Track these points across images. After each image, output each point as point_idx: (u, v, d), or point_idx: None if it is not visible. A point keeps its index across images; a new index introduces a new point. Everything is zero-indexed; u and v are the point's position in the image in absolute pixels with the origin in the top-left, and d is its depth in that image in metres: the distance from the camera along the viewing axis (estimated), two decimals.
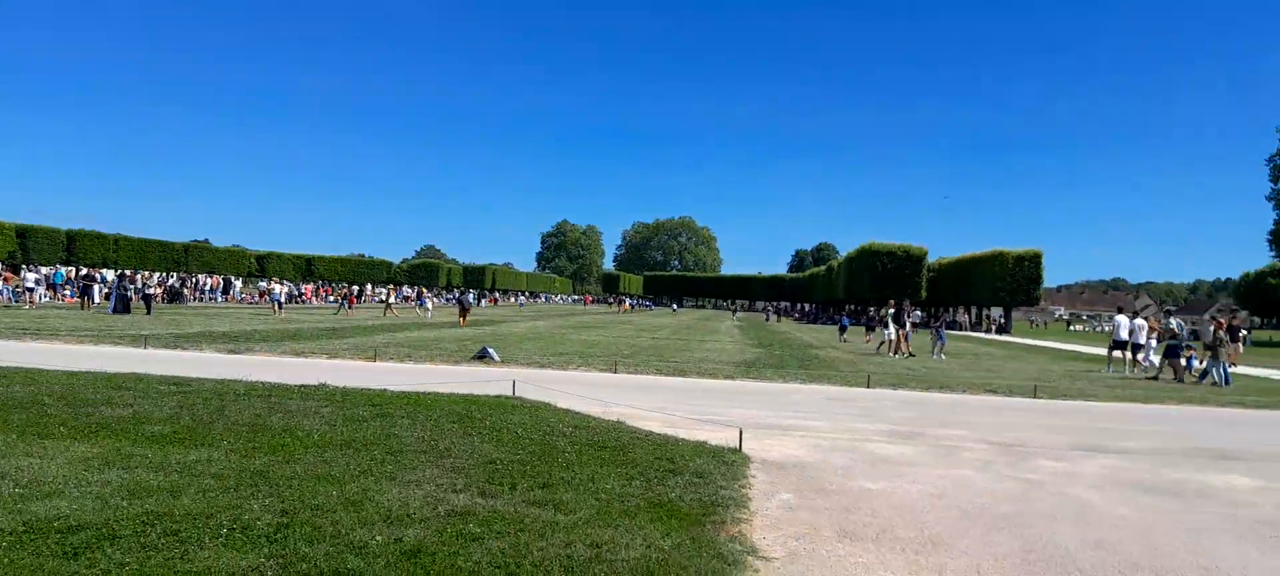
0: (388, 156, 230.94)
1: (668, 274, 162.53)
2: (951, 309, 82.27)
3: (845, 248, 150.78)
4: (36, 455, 6.42)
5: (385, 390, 10.81)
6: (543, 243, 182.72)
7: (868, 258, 72.57)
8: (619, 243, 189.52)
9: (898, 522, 5.86)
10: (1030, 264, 68.03)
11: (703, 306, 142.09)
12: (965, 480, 7.34)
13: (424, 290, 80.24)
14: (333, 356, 17.07)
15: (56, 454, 6.49)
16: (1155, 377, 20.31)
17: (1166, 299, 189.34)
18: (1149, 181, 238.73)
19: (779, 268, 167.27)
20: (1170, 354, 20.12)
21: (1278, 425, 12.75)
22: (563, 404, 10.34)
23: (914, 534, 5.60)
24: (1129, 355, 22.55)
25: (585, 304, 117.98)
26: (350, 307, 46.94)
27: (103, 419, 8.02)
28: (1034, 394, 15.11)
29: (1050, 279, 75.00)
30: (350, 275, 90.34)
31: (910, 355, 25.03)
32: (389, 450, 7.13)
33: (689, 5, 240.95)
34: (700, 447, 7.90)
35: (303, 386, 10.85)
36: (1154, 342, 22.90)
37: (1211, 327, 19.85)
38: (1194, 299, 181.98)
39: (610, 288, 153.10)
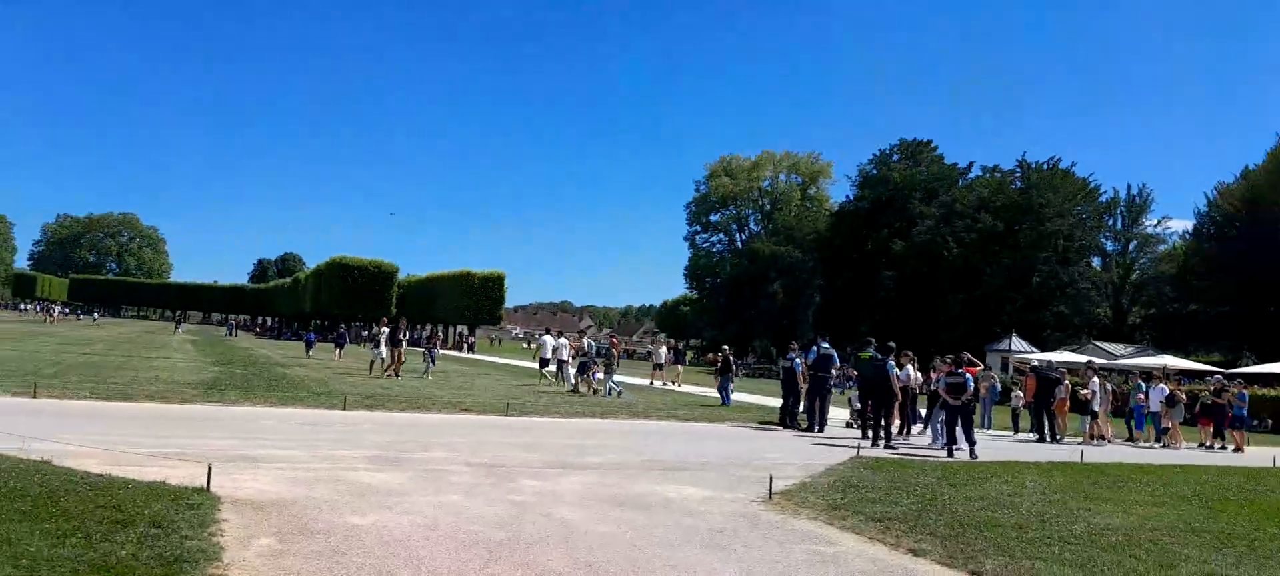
0: None
1: (102, 278, 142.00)
2: (429, 326, 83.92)
3: (314, 260, 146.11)
4: None
5: None
6: None
7: (338, 271, 70.91)
8: (38, 237, 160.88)
9: (392, 562, 5.48)
10: (494, 285, 72.09)
11: (147, 316, 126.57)
12: (455, 506, 7.22)
13: None
14: None
15: None
16: (574, 390, 22.76)
17: (604, 320, 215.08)
18: (595, 213, 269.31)
19: (240, 277, 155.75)
20: (581, 369, 22.98)
21: (702, 437, 14.90)
22: None
23: (411, 573, 5.29)
24: (552, 370, 25.18)
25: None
26: None
27: None
28: (506, 411, 15.77)
29: (511, 299, 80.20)
30: None
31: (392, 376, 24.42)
32: None
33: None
34: (157, 489, 6.71)
35: None
36: (569, 358, 25.40)
37: (608, 347, 23.39)
38: (625, 321, 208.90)
39: (24, 290, 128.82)
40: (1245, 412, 21.23)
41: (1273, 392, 33.31)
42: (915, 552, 6.65)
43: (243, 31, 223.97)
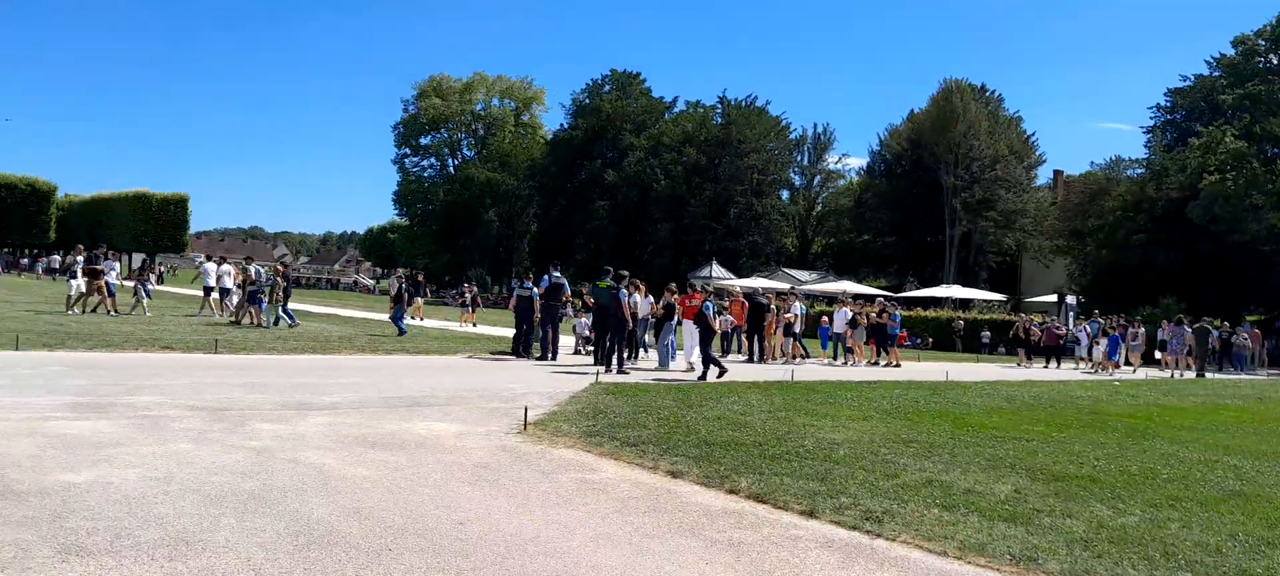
0: None
1: None
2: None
3: None
4: None
5: None
6: None
7: None
8: None
9: (132, 522, 4.83)
10: (176, 207, 65.80)
11: None
12: (189, 456, 6.51)
13: None
14: None
15: None
16: (237, 321, 21.30)
17: (301, 248, 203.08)
18: (293, 132, 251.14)
19: None
20: (251, 299, 21.26)
21: (438, 370, 14.62)
22: None
23: (159, 534, 4.68)
24: (216, 298, 23.95)
25: None
26: None
27: None
28: (215, 349, 14.46)
29: (195, 225, 73.32)
30: None
31: (112, 313, 21.22)
32: None
33: None
34: None
35: None
36: (233, 287, 23.83)
37: (273, 275, 21.66)
38: (324, 249, 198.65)
39: None
40: (897, 332, 24.25)
41: (933, 315, 38.23)
42: (673, 474, 6.93)
43: None
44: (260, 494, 5.62)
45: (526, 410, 8.95)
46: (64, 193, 68.47)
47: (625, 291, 15.45)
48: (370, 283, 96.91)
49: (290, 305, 21.59)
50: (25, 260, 60.37)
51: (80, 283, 21.44)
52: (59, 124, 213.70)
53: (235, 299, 22.61)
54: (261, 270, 21.97)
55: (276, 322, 20.28)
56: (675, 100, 73.63)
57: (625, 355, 15.68)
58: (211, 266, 24.66)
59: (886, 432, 9.63)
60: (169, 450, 6.67)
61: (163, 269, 57.13)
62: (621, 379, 13.85)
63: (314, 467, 6.44)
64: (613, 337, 15.31)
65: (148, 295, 22.83)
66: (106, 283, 21.57)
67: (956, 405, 13.10)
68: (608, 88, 74.55)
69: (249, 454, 6.73)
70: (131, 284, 23.82)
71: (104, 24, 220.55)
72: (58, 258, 62.62)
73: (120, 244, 66.31)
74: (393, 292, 23.00)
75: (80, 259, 22.31)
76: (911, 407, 12.29)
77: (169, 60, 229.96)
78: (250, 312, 20.90)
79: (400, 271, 24.84)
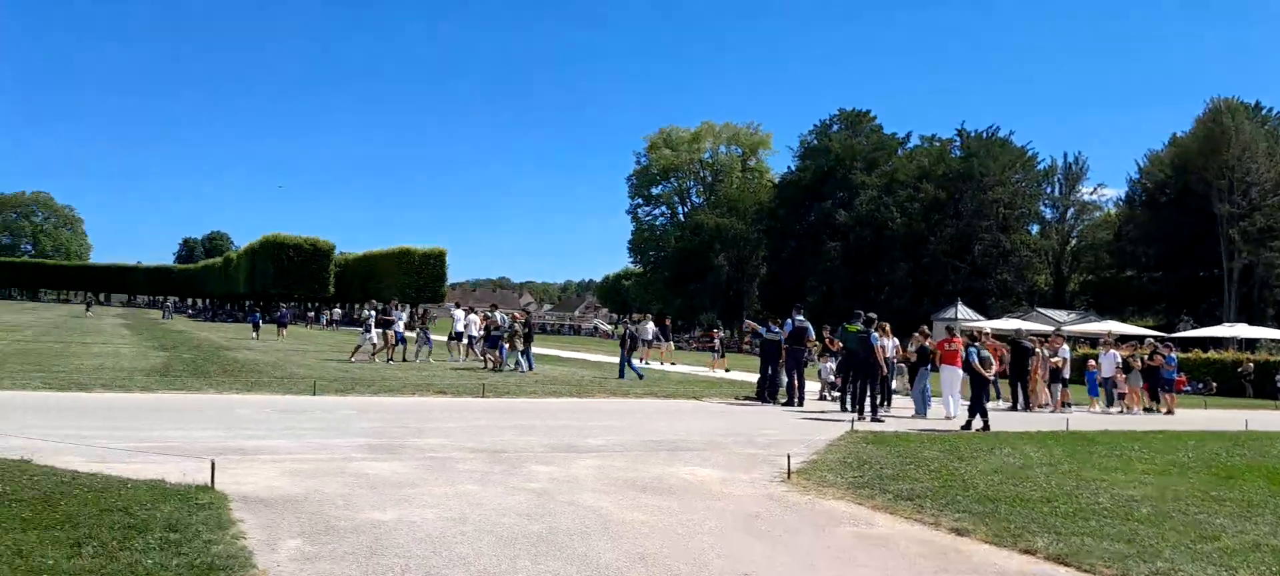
0: None
1: (18, 260, 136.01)
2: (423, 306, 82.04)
3: (243, 238, 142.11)
4: None
5: None
6: None
7: (272, 249, 68.88)
8: None
9: (438, 561, 5.09)
10: (435, 261, 70.89)
11: (67, 300, 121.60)
12: (476, 497, 6.83)
13: None
14: None
15: None
16: (488, 366, 21.84)
17: (544, 296, 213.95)
18: (535, 188, 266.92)
19: (165, 257, 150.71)
20: (492, 343, 21.92)
21: (687, 414, 14.73)
22: None
23: (464, 574, 4.91)
24: (464, 343, 24.97)
25: None
26: None
27: None
28: (482, 393, 15.31)
29: (451, 277, 78.83)
30: None
31: (391, 360, 23.10)
32: None
33: None
34: (159, 489, 6.20)
35: None
36: (478, 333, 24.58)
37: (511, 321, 22.35)
38: (565, 297, 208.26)
39: None
40: (1174, 376, 21.79)
41: (1214, 357, 34.30)
42: (958, 531, 6.49)
43: (155, 38, 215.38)
44: (547, 536, 5.77)
45: (789, 458, 8.74)
46: (340, 251, 76.00)
47: (876, 335, 14.92)
48: (608, 328, 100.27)
49: (534, 349, 22.42)
50: (310, 313, 67.47)
51: (373, 336, 23.43)
52: (334, 189, 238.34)
53: (479, 344, 23.90)
54: (504, 317, 23.11)
55: (516, 366, 21.17)
56: (908, 136, 71.45)
57: (878, 402, 15.11)
58: (460, 314, 26.31)
59: (1190, 488, 8.61)
60: (458, 491, 7.04)
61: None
62: (878, 427, 13.32)
63: (593, 511, 6.55)
64: (863, 383, 14.81)
65: (429, 343, 24.62)
66: (395, 332, 23.44)
67: (1269, 458, 11.55)
68: (836, 127, 73.52)
69: (531, 496, 6.97)
70: (412, 333, 25.70)
71: (373, 108, 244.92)
72: (339, 310, 69.37)
73: (387, 295, 72.68)
74: (621, 338, 23.51)
75: (373, 312, 24.35)
76: (1213, 460, 10.96)
77: (430, 128, 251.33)
78: (491, 357, 21.89)
79: (631, 318, 25.45)
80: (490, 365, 21.58)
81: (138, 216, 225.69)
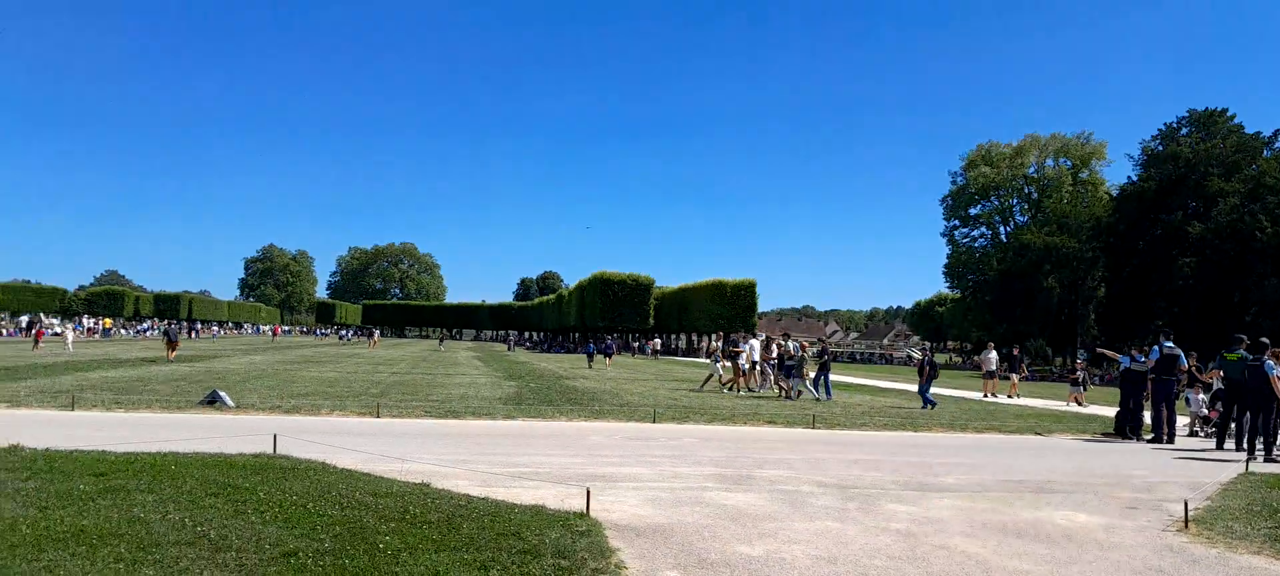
0: (56, 168, 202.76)
1: (388, 302, 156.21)
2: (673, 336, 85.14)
3: (570, 276, 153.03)
4: None
5: (104, 452, 8.51)
6: (247, 268, 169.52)
7: (599, 286, 73.53)
8: (334, 269, 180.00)
9: None
10: (746, 292, 71.89)
11: (427, 336, 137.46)
12: (839, 535, 6.65)
13: (44, 317, 69.38)
14: (14, 405, 13.78)
15: None
16: (783, 394, 21.79)
17: (849, 324, 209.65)
18: (842, 213, 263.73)
19: (505, 295, 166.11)
20: (787, 372, 21.79)
21: (1043, 451, 13.58)
22: (340, 461, 8.63)
23: None
24: (754, 370, 24.38)
25: (274, 334, 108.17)
26: (38, 342, 40.07)
27: None
28: (813, 425, 15.14)
29: (760, 305, 79.39)
30: (14, 304, 78.05)
31: (749, 391, 23.60)
32: (139, 545, 5.26)
33: (398, 13, 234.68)
34: (540, 514, 6.66)
35: None
36: (758, 360, 24.33)
37: (798, 348, 22.16)
38: (871, 325, 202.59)
39: (326, 317, 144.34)
40: None
41: None
42: None
43: (497, 102, 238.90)
44: None
45: (1187, 504, 7.69)
46: (658, 284, 79.56)
47: (1271, 362, 12.88)
48: (919, 356, 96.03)
49: (834, 377, 22.00)
50: (635, 343, 71.12)
51: (719, 368, 24.24)
52: (653, 227, 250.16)
53: (768, 371, 23.79)
54: (795, 346, 22.90)
55: (801, 394, 21.08)
56: (1276, 133, 61.95)
57: (1275, 439, 13.02)
58: (756, 343, 26.48)
59: None
60: (819, 528, 6.90)
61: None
62: (1277, 469, 11.47)
63: (970, 558, 6.12)
64: (1255, 418, 12.83)
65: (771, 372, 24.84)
66: (747, 362, 24.04)
67: None
68: (1185, 130, 65.44)
69: (896, 537, 6.67)
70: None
71: (683, 150, 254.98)
72: (658, 340, 72.35)
73: (699, 326, 74.80)
74: (919, 366, 22.37)
75: (720, 343, 25.29)
76: None
77: (739, 163, 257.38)
78: (784, 385, 21.83)
79: (925, 347, 24.19)
80: (782, 393, 21.56)
81: (483, 260, 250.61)
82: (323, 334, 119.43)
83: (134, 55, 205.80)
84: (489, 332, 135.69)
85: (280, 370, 27.19)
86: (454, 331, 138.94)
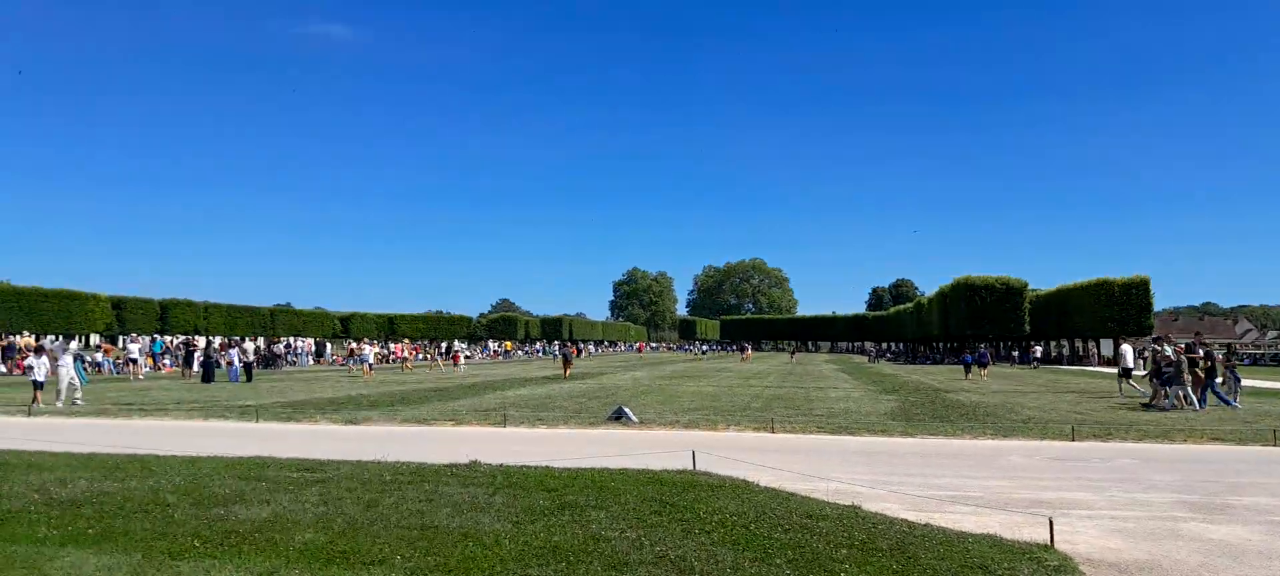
0: (460, 211, 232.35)
1: (743, 317, 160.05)
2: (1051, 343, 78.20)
3: (924, 284, 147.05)
4: None
5: (549, 467, 9.19)
6: (615, 291, 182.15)
7: (963, 292, 69.62)
8: (691, 288, 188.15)
9: None
10: (1138, 291, 64.27)
11: (782, 350, 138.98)
12: None
13: (365, 343, 76.86)
14: (458, 423, 15.60)
15: None
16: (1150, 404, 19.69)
17: (1264, 321, 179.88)
18: (1241, 200, 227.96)
19: (855, 306, 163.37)
20: (1166, 382, 19.13)
21: None
22: (758, 479, 8.59)
23: None
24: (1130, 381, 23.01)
25: (639, 351, 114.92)
26: (456, 364, 45.98)
27: (238, 525, 6.54)
28: (1276, 440, 12.83)
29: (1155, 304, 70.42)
30: (430, 331, 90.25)
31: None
32: (608, 563, 5.46)
33: (752, 42, 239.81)
34: (998, 545, 6.07)
35: (453, 467, 9.29)
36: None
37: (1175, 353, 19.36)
38: None
39: (687, 333, 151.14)
40: None
41: None
42: None
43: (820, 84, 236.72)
44: None
45: None
46: (1032, 287, 73.59)
47: None
48: None
49: (1247, 382, 18.64)
50: (1015, 352, 66.28)
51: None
52: (1029, 229, 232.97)
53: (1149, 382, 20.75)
54: (1168, 350, 19.72)
55: (1174, 405, 18.70)
56: None
57: None
58: (1128, 349, 24.94)
59: None
60: None
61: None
62: None
63: None
64: None
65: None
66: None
67: None
68: None
69: None
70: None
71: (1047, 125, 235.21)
72: (1039, 348, 67.00)
73: (1084, 330, 67.95)
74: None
75: (1146, 350, 23.11)
76: None
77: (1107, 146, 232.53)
78: (1162, 392, 19.22)
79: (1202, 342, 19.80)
80: (1164, 401, 19.13)
81: (832, 271, 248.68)
82: (685, 349, 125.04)
83: (513, 110, 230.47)
84: (844, 344, 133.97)
85: (662, 385, 28.56)
86: (807, 344, 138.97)
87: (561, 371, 36.85)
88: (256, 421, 15.72)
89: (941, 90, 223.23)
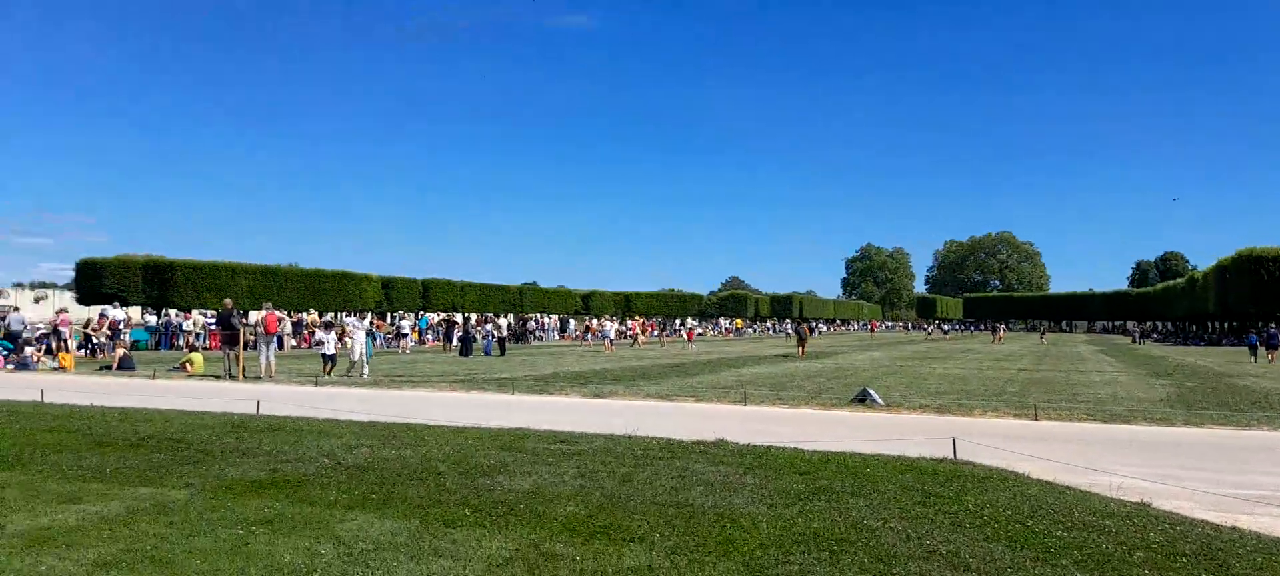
0: (692, 188, 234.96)
1: (988, 294, 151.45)
2: None
3: (1196, 258, 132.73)
4: (449, 555, 5.20)
5: (798, 449, 9.02)
6: (847, 268, 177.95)
7: (1246, 265, 62.05)
8: (930, 264, 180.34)
9: None
10: None
11: (1035, 329, 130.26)
12: None
13: (606, 320, 77.20)
14: (698, 399, 15.73)
15: (470, 553, 5.24)
16: None
17: None
18: None
19: (1114, 283, 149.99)
20: None
21: None
22: (1027, 470, 7.98)
23: None
24: None
25: (871, 330, 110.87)
26: (690, 341, 46.83)
27: (504, 495, 6.85)
28: None
29: None
30: (664, 309, 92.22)
31: None
32: (876, 555, 5.21)
33: (987, 7, 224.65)
34: None
35: (700, 443, 9.33)
36: None
37: None
38: None
39: (926, 311, 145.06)
40: None
41: None
42: None
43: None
44: None
45: None
46: None
47: None
48: None
49: None
50: None
51: None
52: None
53: None
54: None
55: None
56: None
57: None
58: None
59: None
60: None
61: None
62: None
63: None
64: None
65: None
66: None
67: None
68: None
69: None
70: None
71: None
72: None
73: None
74: None
75: None
76: None
77: None
78: None
79: None
80: None
81: (1088, 244, 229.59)
82: (922, 328, 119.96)
83: (746, 85, 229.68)
84: (1101, 324, 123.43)
85: (904, 366, 27.53)
86: (1061, 323, 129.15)
87: (796, 350, 36.44)
88: (512, 393, 16.61)
89: (1218, 39, 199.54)
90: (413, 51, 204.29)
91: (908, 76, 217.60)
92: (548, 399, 15.84)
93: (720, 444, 9.39)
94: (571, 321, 67.29)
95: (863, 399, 15.13)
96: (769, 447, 9.22)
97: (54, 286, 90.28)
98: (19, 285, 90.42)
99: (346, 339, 25.64)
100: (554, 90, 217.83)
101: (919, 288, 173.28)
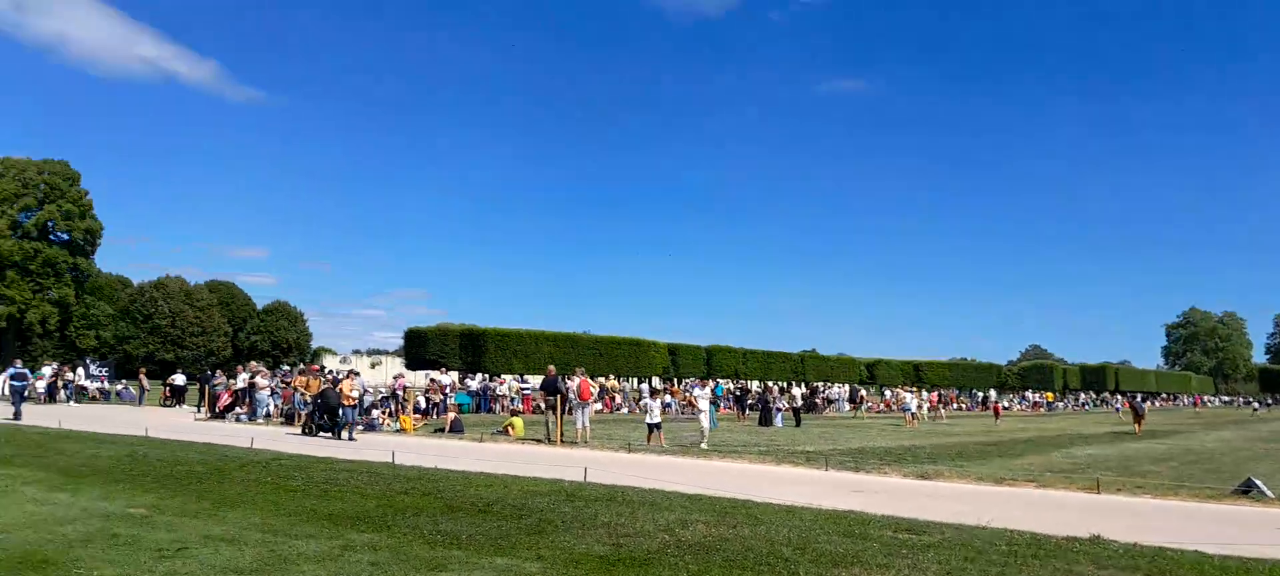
0: (987, 254, 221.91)
1: None
2: None
3: None
4: None
5: (1201, 553, 7.61)
6: (1168, 335, 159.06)
7: None
8: (1271, 330, 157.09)
9: None
10: None
11: None
12: None
13: (905, 391, 71.83)
14: (1039, 484, 14.13)
15: None
16: None
17: None
18: None
19: None
20: None
21: None
22: None
23: None
24: None
25: (1195, 405, 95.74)
26: (996, 416, 43.76)
27: None
28: None
29: None
30: (957, 379, 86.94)
31: None
32: None
33: None
34: None
35: (1073, 539, 8.15)
36: None
37: None
38: None
39: (1271, 385, 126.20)
40: None
41: None
42: None
43: None
44: None
45: None
46: None
47: None
48: None
49: None
50: None
51: None
52: None
53: None
54: None
55: None
56: None
57: None
58: None
59: None
60: None
61: None
62: None
63: None
64: None
65: None
66: None
67: None
68: None
69: None
70: None
71: None
72: None
73: None
74: None
75: None
76: None
77: None
78: None
79: None
80: None
81: None
82: (1253, 404, 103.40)
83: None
84: None
85: (1274, 451, 23.65)
86: None
87: (1132, 427, 32.60)
88: (825, 469, 15.84)
89: None
90: (683, 130, 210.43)
91: (1225, 113, 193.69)
92: (866, 477, 14.91)
93: (1097, 541, 8.16)
94: (862, 391, 65.01)
95: (1247, 490, 12.84)
96: (1161, 548, 7.88)
97: (386, 353, 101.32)
98: (357, 352, 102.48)
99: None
100: (813, 150, 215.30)
101: (1259, 357, 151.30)
